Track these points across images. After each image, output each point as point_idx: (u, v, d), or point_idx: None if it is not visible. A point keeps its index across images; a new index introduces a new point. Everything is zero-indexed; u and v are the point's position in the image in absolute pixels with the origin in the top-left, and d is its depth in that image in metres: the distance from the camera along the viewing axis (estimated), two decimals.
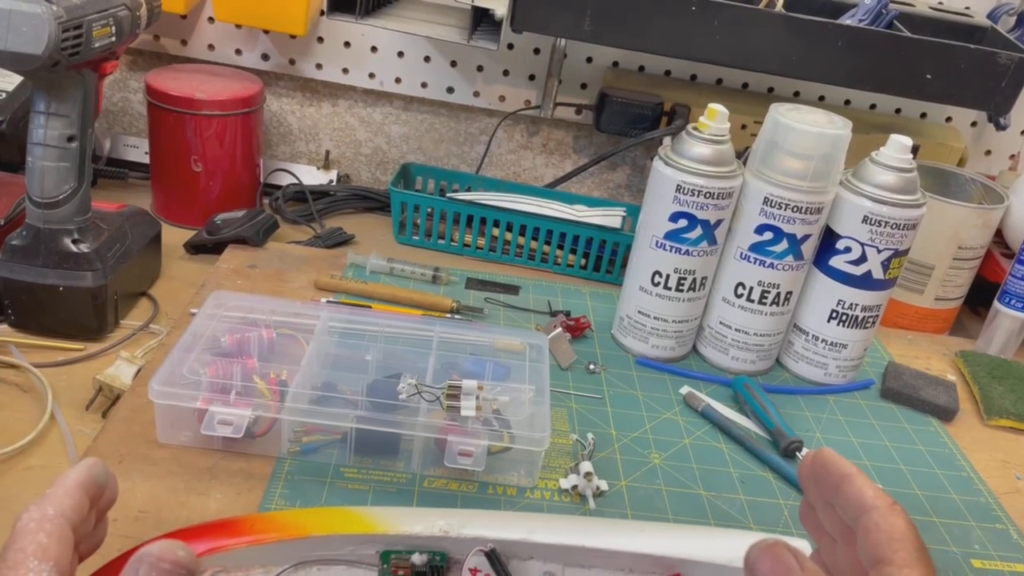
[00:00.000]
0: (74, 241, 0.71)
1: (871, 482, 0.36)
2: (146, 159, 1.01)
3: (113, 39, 0.69)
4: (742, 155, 0.78)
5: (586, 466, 0.62)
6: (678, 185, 0.73)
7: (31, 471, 0.60)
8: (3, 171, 0.83)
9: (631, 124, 1.00)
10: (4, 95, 0.88)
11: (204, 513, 0.56)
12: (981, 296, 0.98)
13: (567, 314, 0.84)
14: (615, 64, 1.07)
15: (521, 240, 0.97)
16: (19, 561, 0.32)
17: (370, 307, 0.80)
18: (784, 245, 0.75)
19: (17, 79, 0.89)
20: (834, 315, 0.78)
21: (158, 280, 0.85)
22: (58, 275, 0.71)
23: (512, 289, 0.90)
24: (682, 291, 0.77)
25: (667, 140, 0.97)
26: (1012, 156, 1.12)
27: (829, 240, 0.76)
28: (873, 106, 1.08)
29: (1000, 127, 1.01)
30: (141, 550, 0.30)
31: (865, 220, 0.74)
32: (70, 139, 0.69)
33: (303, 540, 0.49)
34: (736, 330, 0.79)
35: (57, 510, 0.34)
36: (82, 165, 0.70)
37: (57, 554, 0.33)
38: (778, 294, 0.77)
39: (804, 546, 0.52)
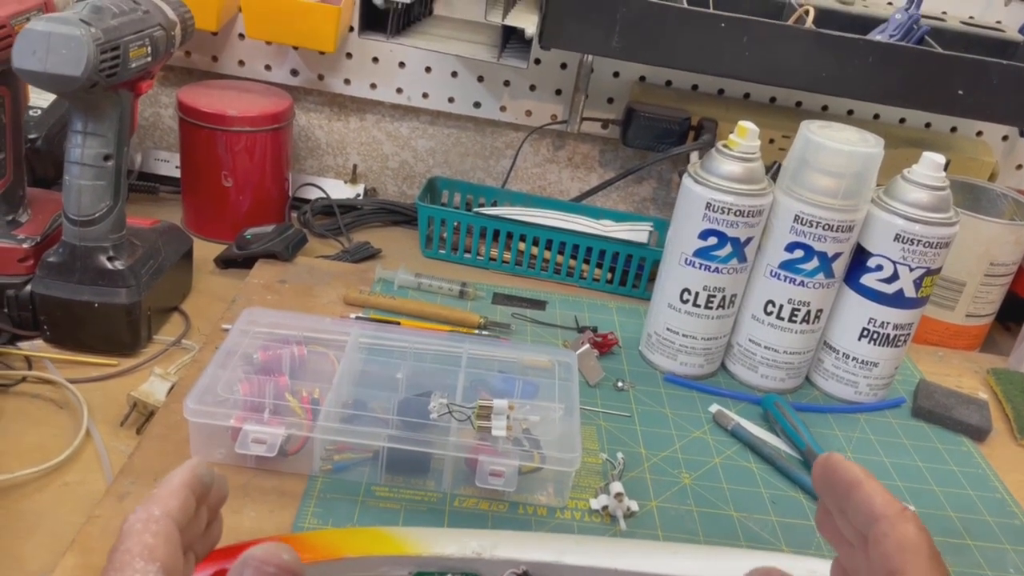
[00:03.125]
0: (109, 258, 0.72)
1: (881, 488, 0.35)
2: (177, 173, 1.02)
3: (149, 59, 0.70)
4: (770, 170, 0.78)
5: (616, 486, 0.62)
6: (708, 203, 0.73)
7: (67, 487, 0.61)
8: (39, 187, 0.84)
9: (658, 139, 1.00)
10: (39, 112, 0.90)
11: (238, 531, 0.56)
12: (1013, 312, 0.97)
13: (594, 330, 0.84)
14: (642, 79, 1.07)
15: (547, 254, 0.97)
16: (125, 562, 0.31)
17: (399, 323, 0.81)
18: (815, 263, 0.74)
19: (52, 96, 0.91)
20: (865, 333, 0.77)
21: (189, 295, 0.86)
22: (93, 292, 0.72)
23: (539, 304, 0.90)
24: (711, 308, 0.77)
25: (695, 157, 0.97)
26: None
27: (860, 258, 0.76)
28: (903, 120, 1.07)
29: None
30: (245, 553, 0.30)
31: (897, 238, 0.73)
32: (106, 158, 0.70)
33: (337, 561, 0.49)
34: (765, 348, 0.79)
35: (163, 510, 0.34)
36: (118, 183, 0.71)
37: (164, 555, 0.32)
38: (808, 312, 0.77)
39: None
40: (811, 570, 0.53)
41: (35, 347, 0.74)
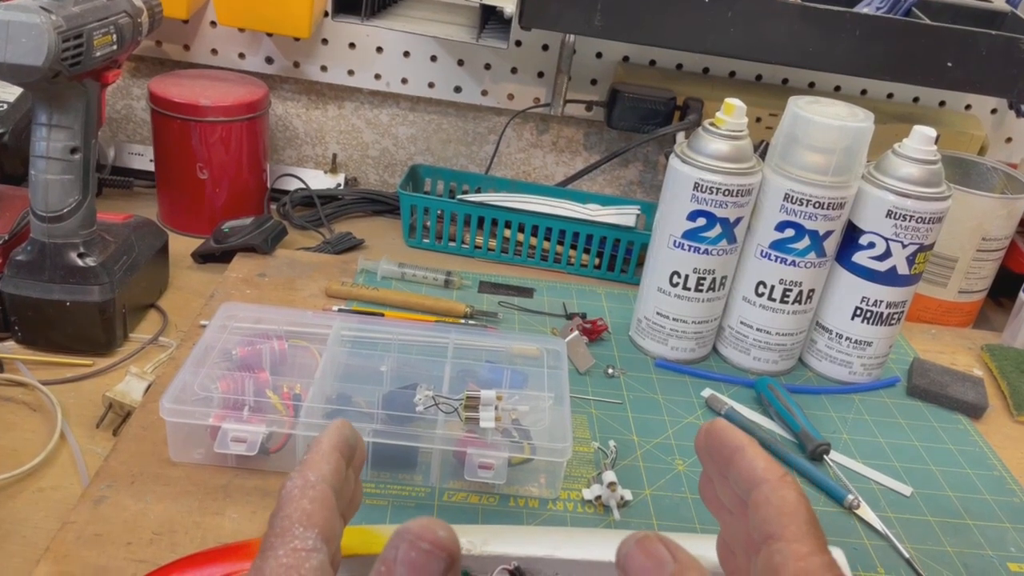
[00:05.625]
0: (80, 255, 0.69)
1: (764, 454, 0.35)
2: (151, 167, 0.99)
3: (115, 47, 0.68)
4: (757, 148, 0.76)
5: (609, 476, 0.61)
6: (696, 183, 0.71)
7: (42, 493, 0.59)
8: (6, 184, 0.81)
9: (643, 120, 0.99)
10: (5, 106, 0.87)
11: (220, 533, 0.54)
12: (1006, 287, 0.96)
13: (583, 316, 0.83)
14: (625, 59, 1.05)
15: (534, 241, 0.95)
16: (286, 528, 0.31)
17: (383, 314, 0.79)
18: (806, 242, 0.73)
19: (18, 89, 0.88)
20: (858, 312, 0.76)
21: (166, 291, 0.83)
22: (65, 290, 0.69)
23: (526, 292, 0.88)
24: (701, 291, 0.76)
25: (682, 136, 0.95)
26: None
27: (852, 235, 0.74)
28: (890, 95, 1.06)
29: (1021, 114, 0.99)
30: (401, 527, 0.28)
31: (889, 214, 0.72)
32: (73, 151, 0.67)
33: None
34: (757, 330, 0.77)
35: (318, 475, 0.33)
36: (86, 177, 0.69)
37: (321, 520, 0.32)
38: (800, 292, 0.75)
39: (839, 556, 0.50)
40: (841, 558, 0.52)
41: (6, 349, 0.71)
